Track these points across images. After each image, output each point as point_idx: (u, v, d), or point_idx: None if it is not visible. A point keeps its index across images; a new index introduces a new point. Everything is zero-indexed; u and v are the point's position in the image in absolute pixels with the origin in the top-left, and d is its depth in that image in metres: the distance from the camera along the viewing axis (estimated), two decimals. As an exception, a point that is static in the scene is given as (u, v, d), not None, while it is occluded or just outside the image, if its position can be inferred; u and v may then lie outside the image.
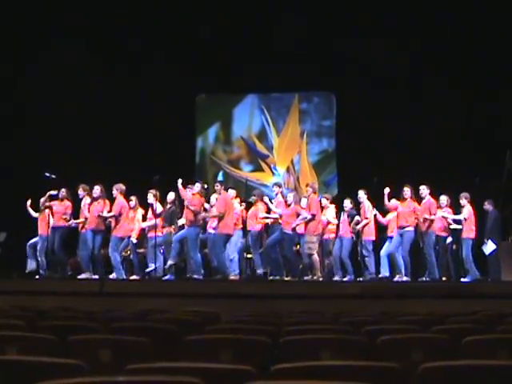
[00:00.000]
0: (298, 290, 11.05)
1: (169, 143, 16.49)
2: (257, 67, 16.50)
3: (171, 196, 12.98)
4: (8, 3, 15.38)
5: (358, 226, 13.04)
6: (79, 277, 12.55)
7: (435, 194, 12.81)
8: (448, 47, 15.74)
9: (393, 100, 15.85)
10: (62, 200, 12.97)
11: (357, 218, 13.08)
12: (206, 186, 13.13)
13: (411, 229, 12.65)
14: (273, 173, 17.64)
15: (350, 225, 13.07)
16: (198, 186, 12.70)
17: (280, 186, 13.73)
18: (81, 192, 12.91)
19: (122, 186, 12.79)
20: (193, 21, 16.43)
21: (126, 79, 16.48)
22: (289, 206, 12.84)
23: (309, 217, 12.68)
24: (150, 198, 13.04)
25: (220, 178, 17.51)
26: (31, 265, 13.29)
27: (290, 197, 12.96)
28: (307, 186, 13.62)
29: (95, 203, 12.60)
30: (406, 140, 15.66)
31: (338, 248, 13.08)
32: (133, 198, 13.06)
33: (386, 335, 4.54)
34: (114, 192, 12.73)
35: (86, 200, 12.82)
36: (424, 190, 12.78)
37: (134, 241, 13.21)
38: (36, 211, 13.33)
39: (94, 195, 12.58)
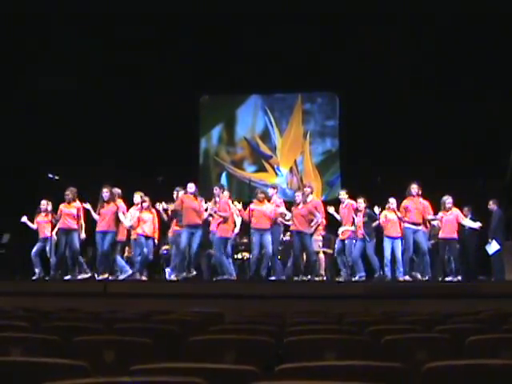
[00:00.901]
0: (302, 290, 11.04)
1: (172, 144, 16.52)
2: (260, 68, 16.53)
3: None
4: (9, 3, 15.39)
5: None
6: (79, 277, 12.58)
7: (438, 195, 12.77)
8: (449, 46, 15.75)
9: (396, 100, 15.85)
10: (69, 202, 12.92)
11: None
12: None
13: (422, 227, 12.52)
14: (276, 173, 17.66)
15: (364, 225, 13.07)
16: (191, 187, 12.65)
17: (275, 188, 13.62)
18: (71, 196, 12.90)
19: (117, 190, 12.77)
20: (196, 21, 16.44)
21: (128, 80, 16.51)
22: (298, 205, 12.75)
23: (320, 220, 12.73)
24: (137, 199, 13.04)
25: (223, 179, 17.58)
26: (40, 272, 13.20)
27: (299, 196, 12.86)
28: (305, 186, 13.41)
29: (106, 205, 12.58)
30: (409, 140, 15.65)
31: (359, 248, 13.07)
32: (146, 198, 13.05)
33: (390, 335, 4.53)
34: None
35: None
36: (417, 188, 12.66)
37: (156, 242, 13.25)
38: (31, 220, 13.38)
39: (105, 198, 12.56)
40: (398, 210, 12.65)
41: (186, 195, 12.50)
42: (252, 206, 12.78)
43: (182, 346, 4.35)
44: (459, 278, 12.34)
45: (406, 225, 12.50)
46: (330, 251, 14.14)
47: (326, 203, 13.67)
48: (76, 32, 16.22)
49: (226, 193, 13.26)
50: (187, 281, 12.13)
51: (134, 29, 16.38)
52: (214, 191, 12.83)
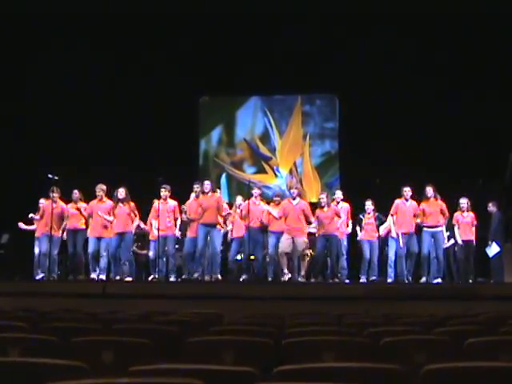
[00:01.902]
0: (301, 291, 11.03)
1: (172, 145, 16.50)
2: (260, 69, 16.54)
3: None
4: (9, 3, 15.39)
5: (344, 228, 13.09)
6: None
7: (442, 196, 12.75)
8: (449, 47, 15.75)
9: (396, 102, 15.85)
10: (76, 202, 12.89)
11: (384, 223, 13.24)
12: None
13: (442, 229, 12.49)
14: (275, 175, 17.65)
15: (377, 228, 13.13)
16: (207, 185, 12.54)
17: (259, 188, 13.57)
18: (56, 194, 12.84)
19: (103, 187, 12.70)
20: (196, 22, 16.44)
21: (128, 80, 16.51)
22: (322, 207, 12.67)
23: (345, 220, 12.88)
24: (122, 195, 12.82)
25: (223, 181, 17.59)
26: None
27: (324, 199, 12.74)
28: (291, 188, 13.22)
29: (120, 206, 12.50)
30: (408, 141, 15.64)
31: (369, 251, 13.15)
32: (156, 201, 13.07)
33: (389, 337, 4.53)
34: (100, 193, 12.66)
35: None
36: (408, 191, 12.58)
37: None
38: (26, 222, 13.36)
39: (120, 197, 12.47)
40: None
41: (203, 196, 12.46)
42: (270, 209, 12.76)
43: (181, 346, 4.35)
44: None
45: (425, 228, 12.45)
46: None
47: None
48: (76, 32, 16.22)
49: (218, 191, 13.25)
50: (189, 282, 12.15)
51: (134, 29, 16.39)
52: (197, 189, 12.71)
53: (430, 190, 12.41)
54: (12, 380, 3.22)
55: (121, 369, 3.41)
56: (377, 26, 15.84)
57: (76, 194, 12.92)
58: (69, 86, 16.22)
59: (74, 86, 16.21)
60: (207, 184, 12.58)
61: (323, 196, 12.85)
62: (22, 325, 5.28)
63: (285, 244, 12.37)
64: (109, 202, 12.65)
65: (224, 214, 12.68)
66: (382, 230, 13.27)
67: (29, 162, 15.85)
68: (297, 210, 12.49)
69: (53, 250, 12.61)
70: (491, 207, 13.26)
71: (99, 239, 12.62)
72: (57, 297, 10.23)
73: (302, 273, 12.45)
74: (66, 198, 13.04)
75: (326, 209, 12.59)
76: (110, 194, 12.74)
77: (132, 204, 12.60)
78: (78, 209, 12.78)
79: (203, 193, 12.52)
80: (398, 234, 12.55)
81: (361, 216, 13.35)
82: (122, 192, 12.43)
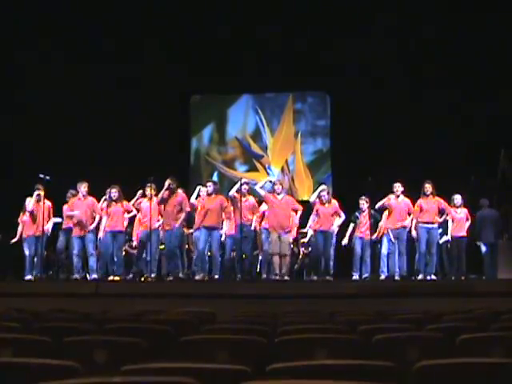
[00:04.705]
0: (294, 289, 11.04)
1: (164, 144, 16.49)
2: (251, 67, 16.54)
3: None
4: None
5: (335, 226, 12.95)
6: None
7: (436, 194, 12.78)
8: (444, 46, 15.77)
9: (387, 99, 15.86)
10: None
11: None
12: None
13: (437, 225, 12.51)
14: (267, 173, 17.64)
15: (370, 227, 13.14)
16: (210, 187, 12.53)
17: (247, 184, 13.45)
18: (41, 193, 12.76)
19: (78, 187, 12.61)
20: (187, 21, 16.42)
21: (121, 80, 16.46)
22: (324, 203, 12.62)
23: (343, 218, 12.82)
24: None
25: (215, 179, 17.54)
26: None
27: (325, 196, 12.60)
28: (275, 184, 12.73)
29: (114, 205, 12.43)
30: (400, 139, 15.67)
31: (361, 248, 13.17)
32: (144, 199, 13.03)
33: (381, 334, 4.54)
34: (83, 194, 12.59)
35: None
36: (399, 187, 12.57)
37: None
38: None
39: (113, 197, 12.41)
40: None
41: (207, 197, 12.41)
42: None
43: (174, 345, 4.35)
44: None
45: (420, 224, 12.45)
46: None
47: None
48: (74, 31, 16.17)
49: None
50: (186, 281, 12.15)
51: (126, 28, 16.36)
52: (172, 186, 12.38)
53: (429, 188, 12.35)
54: (5, 380, 3.21)
55: (113, 368, 3.41)
56: (368, 24, 15.84)
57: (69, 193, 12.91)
58: (66, 84, 16.18)
59: (68, 85, 16.17)
60: (209, 185, 12.50)
61: (324, 193, 12.70)
62: (14, 325, 5.27)
63: (274, 244, 12.24)
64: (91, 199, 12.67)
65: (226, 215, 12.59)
66: (378, 228, 13.34)
67: (23, 161, 15.79)
68: (283, 206, 12.39)
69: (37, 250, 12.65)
70: (483, 204, 13.30)
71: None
72: (49, 297, 10.21)
73: (284, 270, 12.18)
74: (62, 199, 13.01)
75: (327, 205, 12.56)
76: (98, 193, 12.77)
77: (125, 203, 12.58)
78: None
79: (207, 194, 12.47)
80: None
81: (357, 214, 13.36)
82: (114, 191, 12.41)
